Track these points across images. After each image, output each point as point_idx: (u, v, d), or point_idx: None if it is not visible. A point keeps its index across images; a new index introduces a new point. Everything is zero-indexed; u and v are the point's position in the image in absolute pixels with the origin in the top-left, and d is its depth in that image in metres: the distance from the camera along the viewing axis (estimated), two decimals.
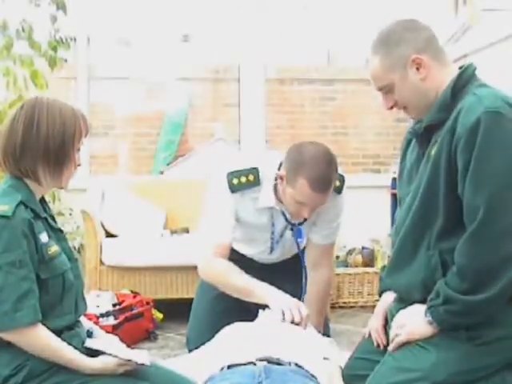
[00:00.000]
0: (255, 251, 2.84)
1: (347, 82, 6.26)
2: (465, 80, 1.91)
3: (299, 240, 2.68)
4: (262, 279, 2.80)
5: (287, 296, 2.47)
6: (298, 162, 2.38)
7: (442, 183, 1.86)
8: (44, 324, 1.78)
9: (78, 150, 1.90)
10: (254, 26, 4.66)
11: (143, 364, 1.89)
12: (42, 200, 1.95)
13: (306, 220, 2.62)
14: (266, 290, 2.52)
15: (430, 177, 1.89)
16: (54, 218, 1.98)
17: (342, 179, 2.61)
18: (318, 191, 2.37)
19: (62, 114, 1.85)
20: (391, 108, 2.01)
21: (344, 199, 2.69)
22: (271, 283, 2.80)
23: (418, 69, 1.92)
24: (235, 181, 2.56)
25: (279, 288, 2.77)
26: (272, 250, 2.80)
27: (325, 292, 2.79)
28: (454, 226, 1.85)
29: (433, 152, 1.89)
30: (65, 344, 1.80)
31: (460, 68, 1.97)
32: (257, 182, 2.56)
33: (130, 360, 1.86)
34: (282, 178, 2.46)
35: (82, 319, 2.02)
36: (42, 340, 1.77)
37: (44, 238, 1.84)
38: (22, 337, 1.75)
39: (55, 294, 1.84)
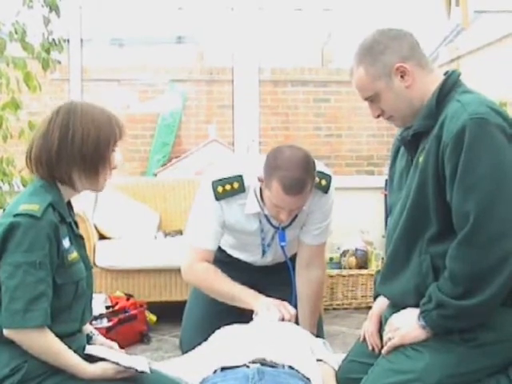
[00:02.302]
0: (248, 255, 2.85)
1: (341, 83, 6.28)
2: (449, 87, 1.92)
3: (282, 244, 2.67)
4: (257, 281, 2.83)
5: (270, 299, 2.52)
6: (272, 166, 2.40)
7: (431, 190, 1.86)
8: (49, 328, 1.78)
9: (113, 151, 1.91)
10: (248, 28, 4.65)
11: (143, 371, 1.89)
12: (68, 204, 1.95)
13: (292, 222, 2.63)
14: (250, 295, 2.57)
15: (418, 184, 1.90)
16: (76, 224, 1.98)
17: (328, 179, 2.62)
18: (291, 194, 2.38)
19: (96, 118, 1.86)
20: (378, 116, 2.02)
21: (332, 199, 2.69)
22: (266, 285, 2.83)
23: (402, 77, 1.92)
24: (220, 189, 2.58)
25: (274, 290, 2.80)
26: (264, 253, 2.81)
27: (318, 292, 2.80)
28: (445, 232, 1.86)
29: (421, 159, 1.90)
30: (67, 349, 1.81)
31: (445, 74, 1.97)
32: (241, 189, 2.59)
33: (130, 367, 1.86)
34: (262, 181, 2.49)
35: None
36: (45, 343, 1.77)
37: (66, 243, 1.85)
38: (27, 338, 1.76)
39: (66, 300, 1.85)
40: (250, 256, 2.85)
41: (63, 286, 1.83)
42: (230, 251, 2.89)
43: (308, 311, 2.74)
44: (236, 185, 2.59)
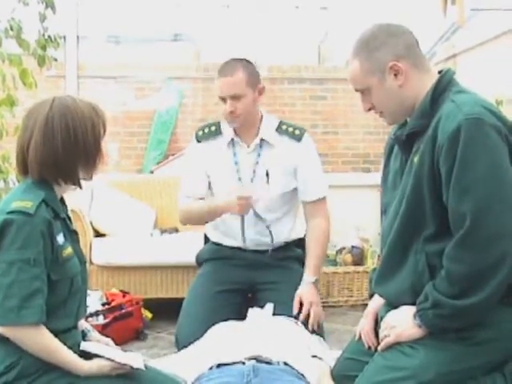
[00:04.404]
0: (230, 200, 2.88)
1: (338, 81, 6.27)
2: (443, 86, 1.92)
3: None
4: (252, 279, 2.85)
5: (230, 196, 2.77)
6: None
7: (427, 191, 1.86)
8: (44, 324, 1.78)
9: (103, 139, 1.94)
10: (245, 25, 4.65)
11: (138, 368, 1.89)
12: (61, 199, 1.96)
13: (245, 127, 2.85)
14: (217, 201, 2.85)
15: (414, 185, 1.89)
16: (70, 219, 1.99)
17: (302, 131, 2.93)
18: (222, 75, 2.80)
19: (85, 111, 1.89)
20: (369, 110, 2.02)
21: (308, 149, 2.94)
22: (261, 283, 2.85)
23: (395, 75, 1.92)
24: (200, 132, 2.97)
25: (269, 288, 2.81)
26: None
27: (323, 237, 2.92)
28: (442, 232, 1.86)
29: (416, 159, 1.90)
30: (62, 346, 1.81)
31: (439, 73, 1.97)
32: (218, 131, 2.93)
33: (125, 364, 1.86)
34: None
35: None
36: (41, 340, 1.77)
37: (61, 239, 1.85)
38: (22, 334, 1.75)
39: (61, 296, 1.85)
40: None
41: (58, 282, 1.83)
42: (216, 225, 2.97)
43: (314, 254, 2.86)
44: (213, 128, 2.95)
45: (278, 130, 2.90)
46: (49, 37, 3.31)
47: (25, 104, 3.45)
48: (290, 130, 2.91)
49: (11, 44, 3.24)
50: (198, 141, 2.96)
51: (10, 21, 3.19)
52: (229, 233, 2.93)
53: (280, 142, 2.89)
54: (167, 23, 6.24)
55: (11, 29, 3.19)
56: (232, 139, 2.89)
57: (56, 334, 1.81)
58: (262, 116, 2.92)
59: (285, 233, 2.95)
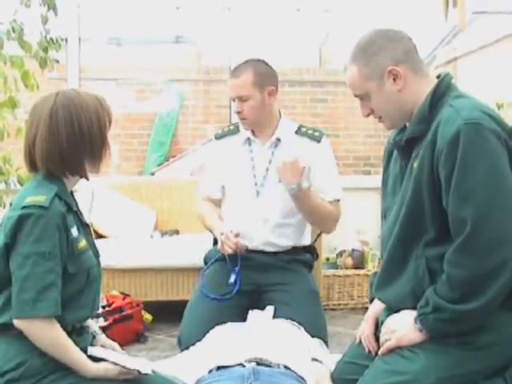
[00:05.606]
0: (242, 197, 2.93)
1: (338, 83, 6.27)
2: (442, 91, 1.92)
3: None
4: (259, 281, 2.85)
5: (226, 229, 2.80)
6: None
7: (426, 196, 1.86)
8: (60, 315, 1.79)
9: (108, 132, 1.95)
10: (246, 28, 4.66)
11: (146, 373, 1.89)
12: (71, 193, 1.97)
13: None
14: (218, 229, 2.87)
15: (413, 190, 1.89)
16: (81, 212, 2.00)
17: (321, 133, 3.02)
18: (232, 76, 2.89)
19: (90, 104, 1.90)
20: (368, 115, 2.01)
21: (326, 150, 3.01)
22: (268, 285, 2.84)
23: (394, 80, 1.92)
24: (219, 131, 3.11)
25: (275, 290, 2.81)
26: (258, 193, 2.91)
27: (332, 210, 2.97)
28: (442, 236, 1.85)
29: (415, 165, 1.90)
30: (73, 344, 1.81)
31: (437, 77, 1.97)
32: (236, 130, 3.04)
33: (133, 369, 1.86)
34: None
35: (90, 322, 2.02)
36: (53, 335, 1.78)
37: (75, 232, 1.87)
38: (35, 327, 1.76)
39: (78, 287, 1.87)
40: (245, 198, 2.92)
41: (76, 275, 1.85)
42: (228, 207, 3.00)
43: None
44: (232, 127, 3.08)
45: (298, 132, 2.98)
46: (50, 39, 3.32)
47: (26, 106, 3.46)
48: (310, 132, 2.99)
49: (13, 46, 3.25)
50: (216, 138, 3.08)
51: (11, 23, 3.20)
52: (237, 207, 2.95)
53: (299, 143, 2.95)
54: (168, 25, 6.25)
55: (13, 31, 3.20)
56: (248, 138, 2.97)
57: (72, 324, 1.83)
58: (280, 118, 2.98)
59: (295, 235, 2.95)
